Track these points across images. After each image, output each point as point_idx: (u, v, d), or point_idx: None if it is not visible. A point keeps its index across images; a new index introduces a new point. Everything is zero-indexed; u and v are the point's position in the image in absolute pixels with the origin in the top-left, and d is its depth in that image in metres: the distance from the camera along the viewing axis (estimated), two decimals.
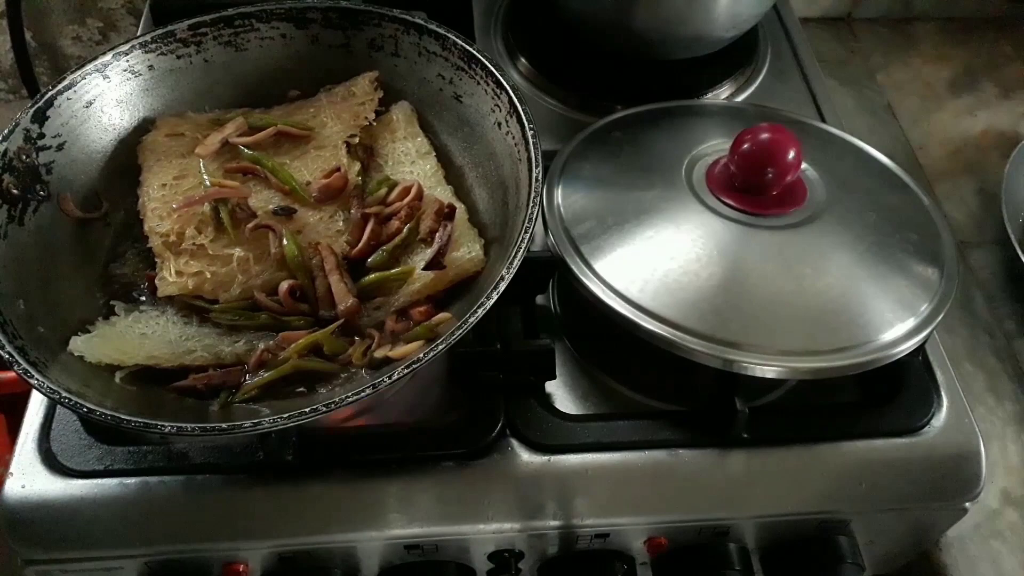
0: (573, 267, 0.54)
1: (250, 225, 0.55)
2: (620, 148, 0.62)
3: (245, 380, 0.51)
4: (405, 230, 0.55)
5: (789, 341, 0.50)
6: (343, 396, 0.43)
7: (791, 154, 0.55)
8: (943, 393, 0.57)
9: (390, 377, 0.44)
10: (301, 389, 0.51)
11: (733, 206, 0.56)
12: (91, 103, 0.58)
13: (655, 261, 0.53)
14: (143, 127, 0.60)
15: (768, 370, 0.50)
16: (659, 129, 0.64)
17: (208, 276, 0.54)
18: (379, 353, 0.50)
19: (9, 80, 1.07)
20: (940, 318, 0.52)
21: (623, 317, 0.51)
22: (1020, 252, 0.70)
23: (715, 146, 0.61)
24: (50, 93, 0.56)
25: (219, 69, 0.63)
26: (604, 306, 0.52)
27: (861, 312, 0.52)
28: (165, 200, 0.56)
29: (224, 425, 0.44)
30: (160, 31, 0.60)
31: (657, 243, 0.55)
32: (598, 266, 0.54)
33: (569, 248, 0.55)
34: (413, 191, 0.57)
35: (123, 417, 0.43)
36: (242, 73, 0.63)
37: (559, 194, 0.58)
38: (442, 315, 0.52)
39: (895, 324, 0.52)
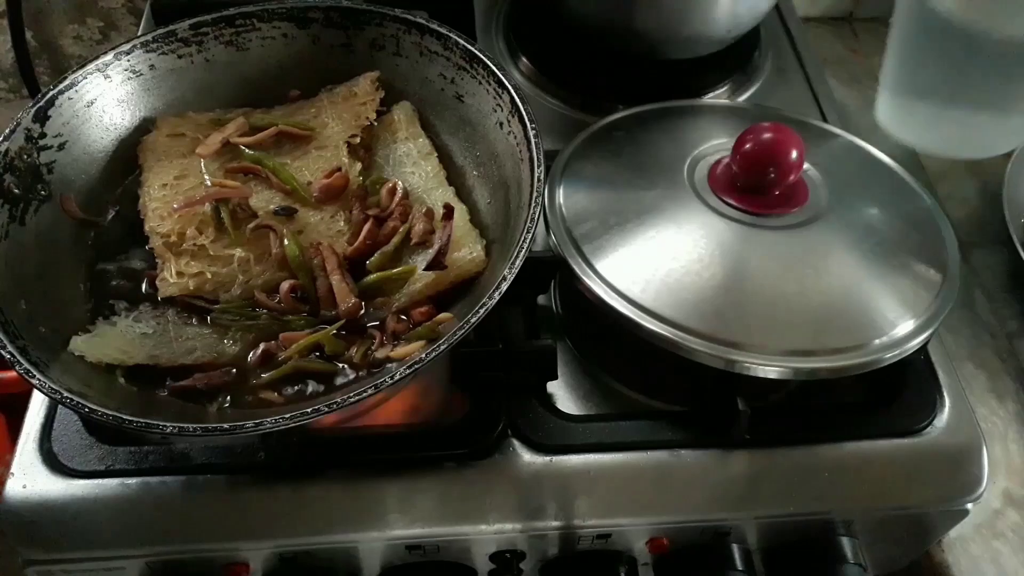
0: (575, 267, 0.54)
1: (251, 225, 0.55)
2: (622, 148, 0.62)
3: (246, 380, 0.51)
4: (400, 231, 0.55)
5: (791, 341, 0.50)
6: (345, 397, 0.43)
7: (793, 154, 0.55)
8: (945, 393, 0.57)
9: (392, 377, 0.44)
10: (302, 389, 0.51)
11: (735, 206, 0.56)
12: (92, 103, 0.58)
13: (657, 261, 0.53)
14: (144, 127, 0.60)
15: (770, 370, 0.50)
16: (661, 129, 0.64)
17: (209, 276, 0.54)
18: (380, 353, 0.50)
19: (9, 80, 1.07)
20: (942, 318, 0.52)
21: (625, 317, 0.51)
22: (1022, 252, 0.70)
23: (717, 146, 0.61)
24: (51, 93, 0.56)
25: (220, 69, 0.63)
26: (606, 306, 0.52)
27: (863, 312, 0.52)
28: (166, 200, 0.56)
29: (226, 425, 0.43)
30: (161, 30, 0.60)
31: (659, 243, 0.54)
32: (600, 266, 0.54)
33: (571, 248, 0.55)
34: (399, 191, 0.57)
35: (125, 417, 0.43)
36: (243, 73, 0.63)
37: (561, 194, 0.58)
38: (443, 315, 0.52)
39: (897, 324, 0.51)
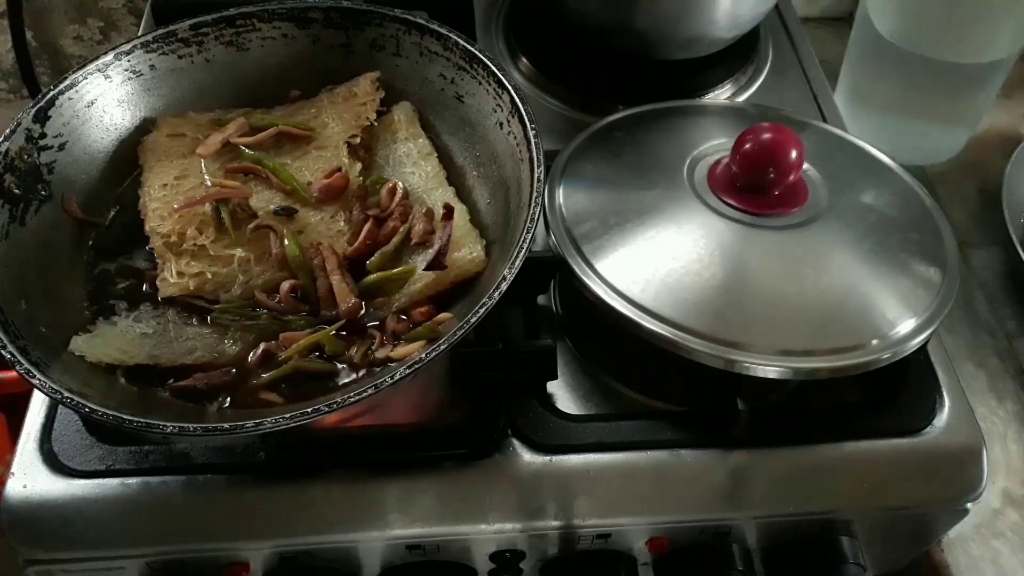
0: (575, 267, 0.54)
1: (251, 225, 0.55)
2: (621, 148, 0.62)
3: (246, 380, 0.51)
4: (400, 231, 0.55)
5: (790, 341, 0.50)
6: (345, 396, 0.43)
7: (793, 154, 0.55)
8: (945, 393, 0.56)
9: (392, 377, 0.44)
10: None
11: (735, 206, 0.56)
12: (92, 103, 0.58)
13: (657, 261, 0.53)
14: (144, 127, 0.60)
15: (770, 370, 0.50)
16: (660, 129, 0.64)
17: (209, 276, 0.54)
18: (380, 353, 0.50)
19: (10, 80, 1.07)
20: (942, 318, 0.52)
21: (625, 317, 0.51)
22: (1021, 252, 0.70)
23: (717, 146, 0.61)
24: (51, 93, 0.56)
25: (220, 69, 0.63)
26: (606, 306, 0.52)
27: (863, 312, 0.52)
28: (166, 200, 0.56)
29: (226, 425, 0.44)
30: (161, 31, 0.60)
31: (659, 243, 0.55)
32: (600, 266, 0.54)
33: (571, 248, 0.55)
34: (399, 191, 0.57)
35: (125, 417, 0.43)
36: (243, 73, 0.63)
37: (560, 194, 0.58)
38: (443, 315, 0.52)
39: (897, 324, 0.51)
